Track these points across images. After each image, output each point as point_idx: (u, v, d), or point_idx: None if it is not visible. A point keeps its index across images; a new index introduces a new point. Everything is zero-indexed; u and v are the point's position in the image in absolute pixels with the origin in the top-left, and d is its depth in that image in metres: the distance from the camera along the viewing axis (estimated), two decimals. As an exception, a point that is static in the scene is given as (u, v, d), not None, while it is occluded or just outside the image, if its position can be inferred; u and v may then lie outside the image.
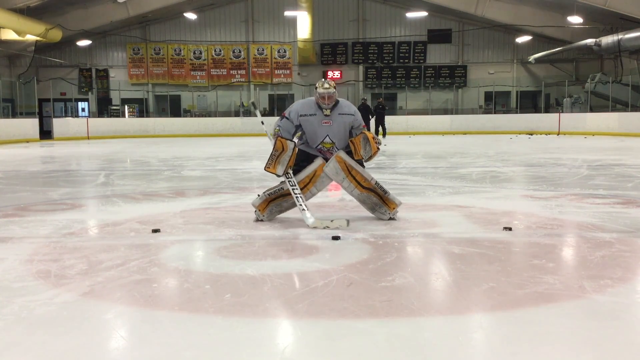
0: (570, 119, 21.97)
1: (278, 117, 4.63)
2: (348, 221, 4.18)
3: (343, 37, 25.98)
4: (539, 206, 5.07)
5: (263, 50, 26.08)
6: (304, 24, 22.31)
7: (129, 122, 24.13)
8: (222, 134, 23.37)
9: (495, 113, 25.24)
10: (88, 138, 22.09)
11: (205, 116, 25.30)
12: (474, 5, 22.86)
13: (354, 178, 4.34)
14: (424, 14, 24.45)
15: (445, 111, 26.04)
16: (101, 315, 2.44)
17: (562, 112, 23.06)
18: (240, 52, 26.12)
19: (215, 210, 5.00)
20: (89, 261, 3.25)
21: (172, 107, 25.70)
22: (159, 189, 6.70)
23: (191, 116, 25.37)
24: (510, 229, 4.01)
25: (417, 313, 2.41)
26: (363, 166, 4.52)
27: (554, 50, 24.15)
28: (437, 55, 26.31)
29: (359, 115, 4.53)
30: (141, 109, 25.48)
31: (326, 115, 4.38)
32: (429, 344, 2.10)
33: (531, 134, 21.43)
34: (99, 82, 26.03)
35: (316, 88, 4.44)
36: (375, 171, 8.62)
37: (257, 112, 5.24)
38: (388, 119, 19.92)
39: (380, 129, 19.14)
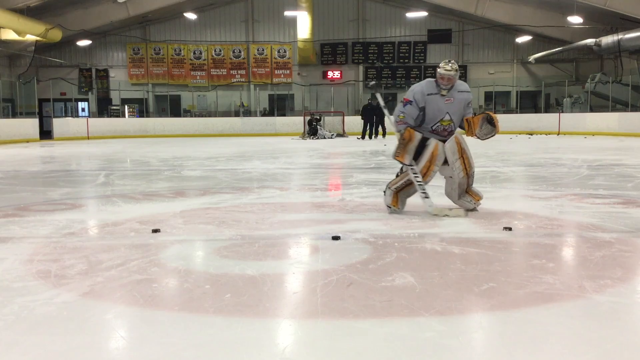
0: (570, 119, 21.96)
1: (399, 103, 4.70)
2: (467, 212, 4.50)
3: (343, 37, 25.97)
4: (539, 206, 5.07)
5: (263, 50, 26.08)
6: (304, 24, 22.30)
7: (129, 122, 24.12)
8: (222, 134, 23.37)
9: (495, 113, 25.17)
10: (88, 138, 22.09)
11: (205, 116, 25.30)
12: (474, 5, 22.86)
13: (464, 161, 4.56)
14: (424, 14, 24.45)
15: (445, 111, 26.00)
16: (101, 315, 2.44)
17: (562, 112, 23.06)
18: (240, 52, 26.12)
19: (215, 210, 5.00)
20: (89, 261, 3.25)
21: (172, 107, 25.70)
22: (159, 189, 6.70)
23: (191, 116, 25.37)
24: (510, 229, 4.01)
25: (417, 313, 2.41)
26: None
27: (554, 50, 24.14)
28: (437, 55, 26.28)
29: (472, 94, 4.81)
30: (141, 109, 25.48)
31: (442, 95, 4.55)
32: (429, 344, 2.10)
33: (531, 134, 21.42)
34: (99, 82, 26.02)
35: (439, 67, 4.59)
36: (375, 171, 8.64)
37: (379, 96, 5.13)
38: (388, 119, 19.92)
39: (380, 129, 19.17)
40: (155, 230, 4.04)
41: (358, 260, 3.25)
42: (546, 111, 24.86)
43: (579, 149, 13.19)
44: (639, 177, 7.41)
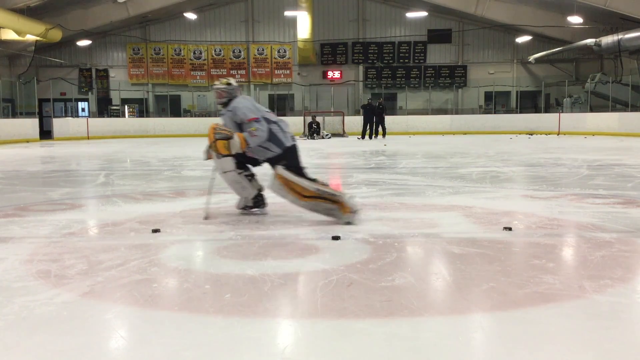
0: (570, 119, 21.97)
1: None
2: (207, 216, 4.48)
3: (343, 37, 25.97)
4: (539, 206, 5.07)
5: (263, 50, 26.08)
6: (304, 24, 22.30)
7: (129, 122, 24.12)
8: (222, 134, 23.33)
9: (495, 113, 25.24)
10: (88, 138, 22.09)
11: (205, 116, 25.30)
12: (474, 5, 22.86)
13: (294, 190, 4.41)
14: (424, 14, 24.45)
15: (445, 111, 26.04)
16: (101, 315, 2.43)
17: (562, 112, 23.06)
18: (240, 52, 26.12)
19: (215, 211, 5.00)
20: (89, 261, 3.25)
21: (172, 107, 25.70)
22: (159, 189, 6.70)
23: (191, 116, 25.37)
24: (510, 229, 4.01)
25: (417, 313, 2.41)
26: (303, 174, 4.51)
27: (554, 50, 24.15)
28: (437, 55, 26.31)
29: (239, 110, 4.58)
30: (141, 109, 25.48)
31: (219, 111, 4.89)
32: (429, 344, 2.10)
33: (531, 134, 21.42)
34: (99, 82, 26.02)
35: None
36: (375, 171, 8.65)
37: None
38: (388, 119, 19.95)
39: (380, 128, 19.18)
40: (155, 230, 4.04)
41: (358, 260, 3.25)
42: (546, 111, 24.88)
43: (579, 149, 13.19)
44: (639, 177, 7.41)
